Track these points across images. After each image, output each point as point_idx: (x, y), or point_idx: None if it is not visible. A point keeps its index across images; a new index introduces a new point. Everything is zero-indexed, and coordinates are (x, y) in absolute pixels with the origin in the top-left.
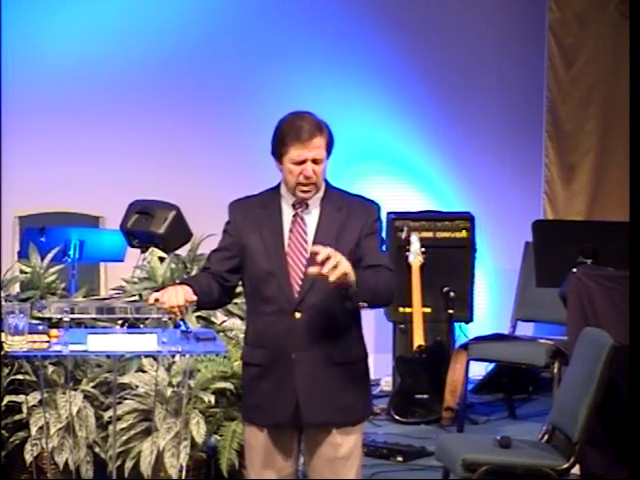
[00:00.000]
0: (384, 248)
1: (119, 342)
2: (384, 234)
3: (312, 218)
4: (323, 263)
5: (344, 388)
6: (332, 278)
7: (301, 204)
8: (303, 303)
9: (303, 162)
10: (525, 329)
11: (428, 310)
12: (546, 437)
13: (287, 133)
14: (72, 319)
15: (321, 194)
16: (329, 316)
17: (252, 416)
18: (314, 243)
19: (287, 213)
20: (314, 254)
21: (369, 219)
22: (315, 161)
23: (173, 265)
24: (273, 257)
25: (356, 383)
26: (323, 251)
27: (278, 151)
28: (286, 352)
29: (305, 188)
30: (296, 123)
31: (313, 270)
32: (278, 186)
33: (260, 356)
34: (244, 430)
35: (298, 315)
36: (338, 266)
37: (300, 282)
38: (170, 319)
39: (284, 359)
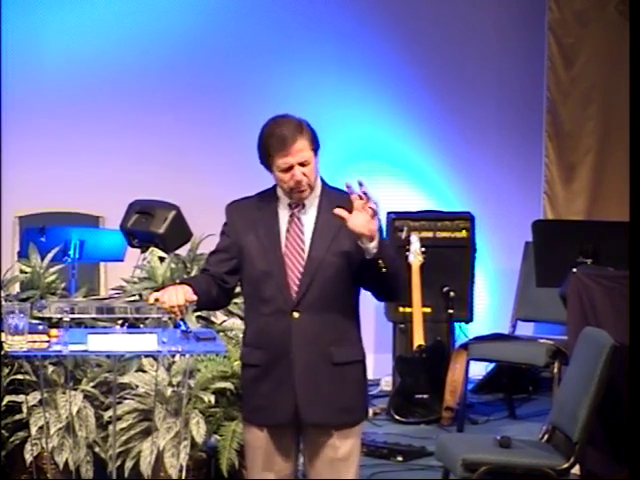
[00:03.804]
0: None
1: (119, 342)
2: (384, 234)
3: (309, 218)
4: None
5: (343, 389)
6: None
7: (298, 204)
8: (301, 303)
9: (291, 168)
10: (525, 329)
11: (428, 310)
12: (546, 437)
13: (269, 143)
14: (72, 319)
15: (318, 193)
16: (328, 316)
17: (252, 417)
18: (311, 243)
19: (284, 214)
20: (347, 187)
21: None
22: (302, 164)
23: (173, 265)
24: (270, 258)
25: (355, 384)
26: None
27: (265, 161)
28: (285, 352)
29: (299, 191)
30: (276, 131)
31: (340, 211)
32: (275, 187)
33: (259, 357)
34: (244, 431)
35: (296, 315)
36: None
37: (298, 282)
38: (170, 319)
39: (283, 359)
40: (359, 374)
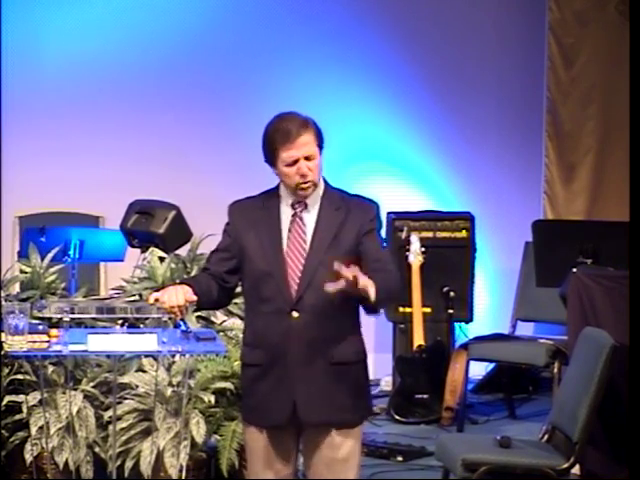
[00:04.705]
0: (384, 245)
1: (119, 342)
2: (384, 234)
3: (311, 218)
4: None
5: (343, 389)
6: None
7: (300, 204)
8: (300, 303)
9: (296, 162)
10: (525, 329)
11: (428, 310)
12: (546, 437)
13: (274, 137)
14: (72, 319)
15: (320, 193)
16: (327, 316)
17: (251, 417)
18: (312, 243)
19: (286, 213)
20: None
21: (367, 217)
22: (307, 158)
23: (173, 265)
24: (271, 257)
25: (355, 384)
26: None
27: (270, 157)
28: (284, 352)
29: (304, 187)
30: (281, 125)
31: (331, 287)
32: (277, 187)
33: (258, 357)
34: (243, 431)
35: (295, 315)
36: (359, 279)
37: (297, 282)
38: (170, 319)
39: (282, 359)
40: (359, 374)
